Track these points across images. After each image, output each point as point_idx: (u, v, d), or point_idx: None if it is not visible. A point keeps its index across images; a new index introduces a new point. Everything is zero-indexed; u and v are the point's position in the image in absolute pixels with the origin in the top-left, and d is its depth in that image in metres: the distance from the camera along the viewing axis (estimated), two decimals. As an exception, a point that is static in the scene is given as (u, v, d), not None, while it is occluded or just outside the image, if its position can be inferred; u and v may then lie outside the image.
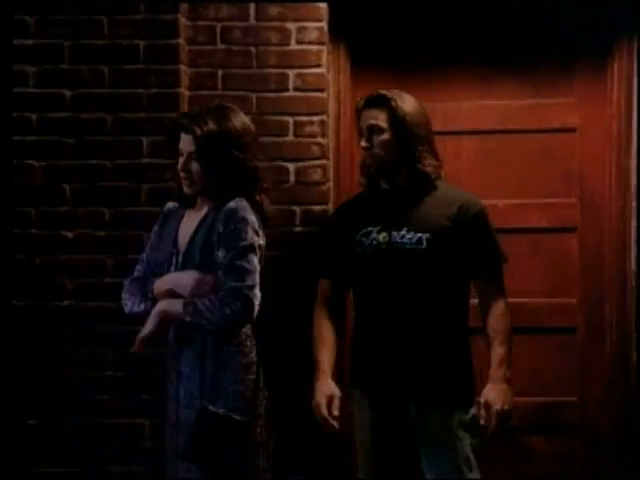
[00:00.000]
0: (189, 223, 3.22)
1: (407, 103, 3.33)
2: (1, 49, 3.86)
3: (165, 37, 3.96)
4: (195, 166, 3.14)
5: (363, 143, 3.36)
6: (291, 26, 4.03)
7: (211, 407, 3.01)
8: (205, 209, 3.20)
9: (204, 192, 3.19)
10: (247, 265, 3.02)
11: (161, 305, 3.10)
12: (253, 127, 3.24)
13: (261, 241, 3.12)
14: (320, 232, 3.82)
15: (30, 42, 3.96)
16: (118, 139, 3.95)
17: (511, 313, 3.35)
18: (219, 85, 4.04)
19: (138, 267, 3.33)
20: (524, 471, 4.18)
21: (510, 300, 3.39)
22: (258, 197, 3.19)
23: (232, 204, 3.09)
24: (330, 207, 4.03)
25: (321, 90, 4.03)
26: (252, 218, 3.09)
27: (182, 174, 3.18)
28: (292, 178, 4.01)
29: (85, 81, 3.96)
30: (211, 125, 3.11)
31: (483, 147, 4.23)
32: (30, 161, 3.94)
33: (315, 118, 4.02)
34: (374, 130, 3.32)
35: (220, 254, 3.06)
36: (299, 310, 3.75)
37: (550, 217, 4.20)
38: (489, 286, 3.33)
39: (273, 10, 4.03)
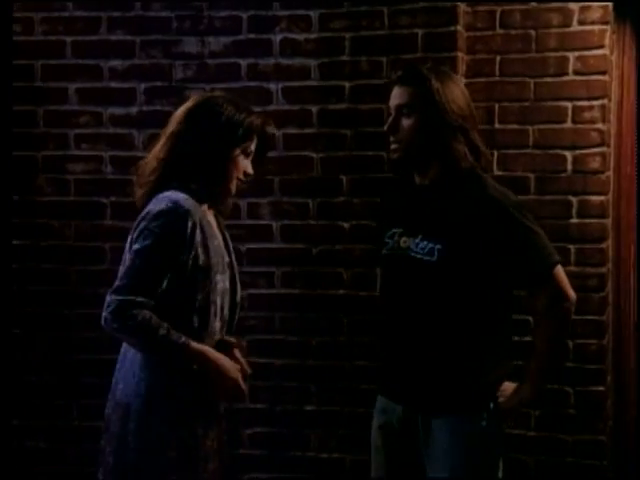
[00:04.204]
0: (213, 226, 2.79)
1: (447, 84, 2.70)
2: (286, 42, 4.02)
3: (444, 24, 3.92)
4: None
5: (385, 127, 2.77)
6: (574, 6, 3.85)
7: None
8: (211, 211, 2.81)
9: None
10: None
11: None
12: None
13: None
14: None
15: (313, 36, 4.04)
16: (394, 130, 3.94)
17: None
18: (496, 71, 3.94)
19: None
20: None
21: None
22: None
23: None
24: (609, 198, 3.79)
25: (603, 73, 3.81)
26: None
27: None
28: (569, 167, 3.83)
29: (364, 72, 3.99)
30: None
31: None
32: (306, 152, 4.03)
33: (595, 103, 3.81)
34: (402, 111, 2.71)
35: None
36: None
37: None
38: (536, 299, 2.69)
39: (555, -10, 3.87)
